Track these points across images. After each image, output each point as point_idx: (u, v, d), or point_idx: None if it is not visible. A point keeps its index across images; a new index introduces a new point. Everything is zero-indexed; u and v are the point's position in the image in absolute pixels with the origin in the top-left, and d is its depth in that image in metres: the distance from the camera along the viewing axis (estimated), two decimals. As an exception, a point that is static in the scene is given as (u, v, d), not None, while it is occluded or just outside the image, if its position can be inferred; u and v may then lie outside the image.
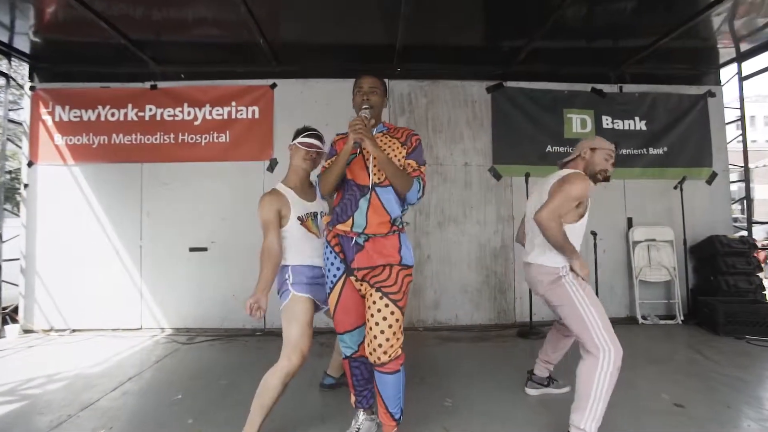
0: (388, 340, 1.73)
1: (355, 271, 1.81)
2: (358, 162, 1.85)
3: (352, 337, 1.88)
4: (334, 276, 1.87)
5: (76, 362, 3.20)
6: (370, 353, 1.77)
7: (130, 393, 2.63)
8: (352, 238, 1.82)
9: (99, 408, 2.40)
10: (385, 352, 1.73)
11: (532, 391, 2.49)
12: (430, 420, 2.18)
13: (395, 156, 1.84)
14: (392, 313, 1.75)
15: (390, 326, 1.74)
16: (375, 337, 1.74)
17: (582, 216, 2.07)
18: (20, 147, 4.30)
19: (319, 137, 2.19)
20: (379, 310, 1.75)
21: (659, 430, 2.05)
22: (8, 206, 4.46)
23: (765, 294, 4.01)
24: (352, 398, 2.00)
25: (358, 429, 1.95)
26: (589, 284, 2.09)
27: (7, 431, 2.12)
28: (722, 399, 2.38)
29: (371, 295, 1.79)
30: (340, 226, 1.84)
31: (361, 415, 1.98)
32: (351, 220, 1.81)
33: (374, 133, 1.88)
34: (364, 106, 1.84)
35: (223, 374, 2.94)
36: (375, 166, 1.81)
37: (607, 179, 2.21)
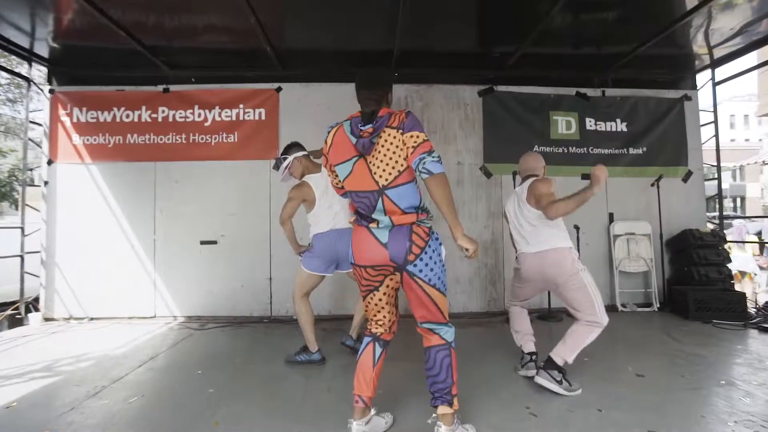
0: None
1: None
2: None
3: None
4: None
5: (99, 345, 3.48)
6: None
7: (154, 369, 2.93)
8: None
9: (128, 381, 2.70)
10: None
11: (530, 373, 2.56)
12: (422, 392, 2.48)
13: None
14: None
15: None
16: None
17: None
18: (40, 147, 4.57)
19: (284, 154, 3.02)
20: None
21: (619, 392, 2.37)
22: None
23: (733, 283, 4.34)
24: None
25: None
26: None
27: (53, 399, 2.41)
28: (679, 371, 2.71)
29: None
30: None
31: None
32: None
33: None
34: None
35: (236, 355, 3.24)
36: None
37: None
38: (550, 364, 2.40)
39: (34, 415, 2.21)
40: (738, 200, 27.55)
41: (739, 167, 25.50)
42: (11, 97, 14.87)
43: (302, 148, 3.01)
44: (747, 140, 31.22)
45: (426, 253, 1.79)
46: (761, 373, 2.62)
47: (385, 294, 1.90)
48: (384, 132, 1.75)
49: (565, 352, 2.39)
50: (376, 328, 1.96)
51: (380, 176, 1.77)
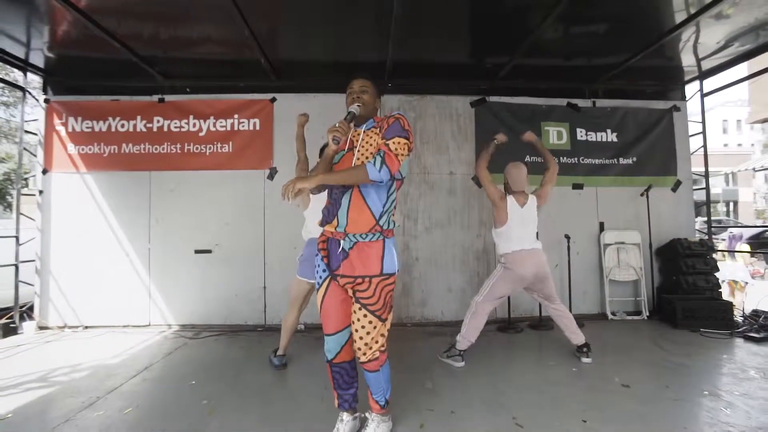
0: (367, 344, 1.92)
1: (339, 278, 1.94)
2: (347, 159, 1.97)
3: (334, 340, 1.98)
4: (320, 278, 2.00)
5: (94, 354, 3.50)
6: (354, 351, 1.98)
7: (149, 380, 2.96)
8: (339, 242, 1.93)
9: (123, 392, 2.73)
10: (364, 354, 1.94)
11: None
12: (414, 400, 2.53)
13: (374, 148, 1.94)
14: (371, 323, 1.91)
15: (368, 333, 1.91)
16: (355, 341, 1.95)
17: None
18: (35, 156, 4.59)
19: None
20: (358, 320, 1.92)
21: (604, 404, 2.42)
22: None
23: (720, 291, 4.42)
24: (336, 401, 2.09)
25: (341, 429, 2.06)
26: None
27: (48, 411, 2.44)
28: (664, 381, 2.77)
29: (353, 303, 1.94)
30: (327, 227, 1.97)
31: (345, 416, 2.08)
32: (336, 219, 1.93)
33: (363, 129, 2.02)
34: (356, 104, 1.99)
35: (230, 365, 3.27)
36: (358, 159, 1.93)
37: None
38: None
39: (29, 427, 2.24)
40: (731, 205, 27.84)
41: (731, 173, 25.80)
42: (5, 101, 14.88)
43: None
44: (740, 145, 31.58)
45: None
46: (744, 383, 2.69)
47: None
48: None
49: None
50: None
51: None
